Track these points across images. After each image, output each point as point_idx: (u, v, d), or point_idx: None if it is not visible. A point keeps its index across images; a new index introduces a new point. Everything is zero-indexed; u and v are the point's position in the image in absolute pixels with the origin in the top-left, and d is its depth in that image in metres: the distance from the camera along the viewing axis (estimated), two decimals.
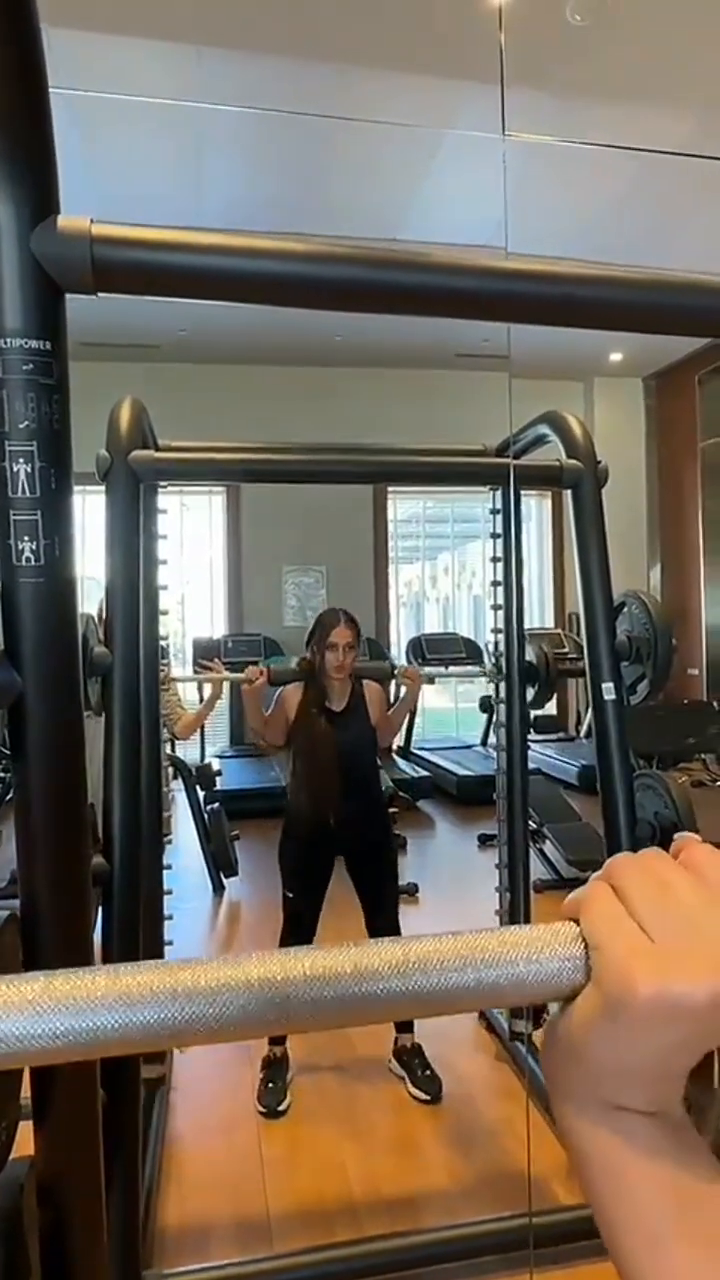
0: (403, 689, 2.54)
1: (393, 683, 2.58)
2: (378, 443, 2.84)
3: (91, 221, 0.79)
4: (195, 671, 3.43)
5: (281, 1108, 2.25)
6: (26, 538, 0.81)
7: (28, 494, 0.80)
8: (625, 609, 1.96)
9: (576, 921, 0.33)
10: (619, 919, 0.32)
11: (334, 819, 2.34)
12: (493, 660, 2.61)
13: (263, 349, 6.67)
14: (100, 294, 0.84)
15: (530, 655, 2.59)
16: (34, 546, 0.81)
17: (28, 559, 0.81)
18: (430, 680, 6.80)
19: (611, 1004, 0.30)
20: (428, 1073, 2.34)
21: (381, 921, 2.42)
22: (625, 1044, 0.31)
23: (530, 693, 2.59)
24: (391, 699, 2.57)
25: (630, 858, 0.34)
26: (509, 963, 0.32)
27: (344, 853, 2.42)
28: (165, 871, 2.38)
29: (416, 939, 0.33)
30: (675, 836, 0.35)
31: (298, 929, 2.38)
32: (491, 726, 5.96)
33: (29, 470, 0.80)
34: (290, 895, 2.41)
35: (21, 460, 0.79)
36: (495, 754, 2.67)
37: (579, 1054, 0.32)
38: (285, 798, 2.46)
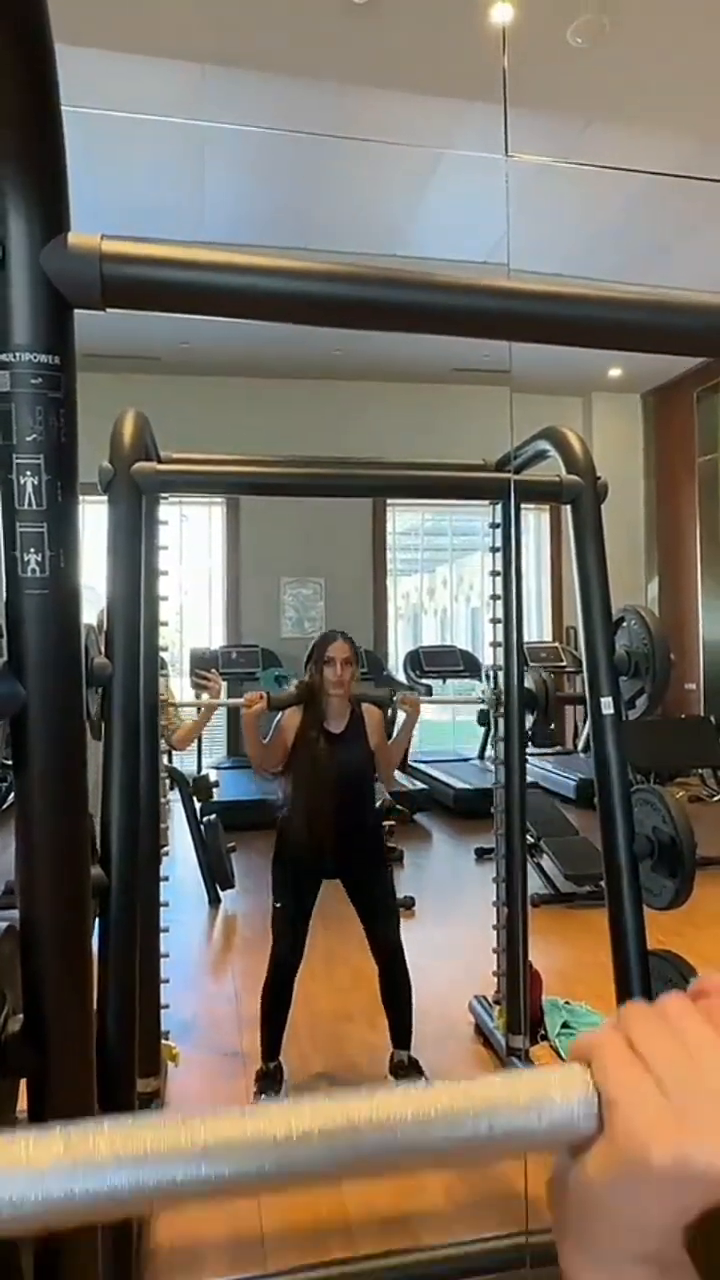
0: (401, 715, 2.53)
1: (390, 711, 2.56)
2: (376, 456, 2.85)
3: (102, 238, 0.80)
4: (193, 683, 3.42)
5: None
6: (33, 549, 0.81)
7: (34, 506, 0.81)
8: (624, 624, 1.97)
9: (586, 1063, 0.33)
10: (634, 1073, 0.31)
11: (329, 840, 2.34)
12: (491, 687, 2.60)
13: (263, 362, 6.71)
14: (108, 310, 0.85)
15: (529, 683, 2.59)
16: (39, 558, 0.82)
17: (33, 570, 0.82)
18: (429, 692, 6.83)
19: (626, 1165, 0.30)
20: None
21: (384, 945, 2.41)
22: (639, 1205, 0.30)
23: (529, 719, 2.59)
24: (390, 727, 2.56)
25: (647, 1008, 0.33)
26: (519, 1111, 0.32)
27: (339, 875, 2.43)
28: (162, 883, 2.37)
29: (422, 1090, 0.32)
30: (695, 980, 0.35)
31: (288, 940, 2.37)
32: (489, 740, 5.96)
33: (36, 483, 0.81)
34: (279, 905, 2.41)
35: (29, 473, 0.80)
36: (493, 767, 2.66)
37: (590, 1208, 0.31)
38: (279, 820, 2.45)
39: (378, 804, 2.55)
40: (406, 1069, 2.38)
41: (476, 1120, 0.32)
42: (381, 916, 2.43)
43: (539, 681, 2.65)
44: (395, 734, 2.50)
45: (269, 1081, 2.33)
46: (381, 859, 2.51)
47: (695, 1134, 0.29)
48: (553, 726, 2.84)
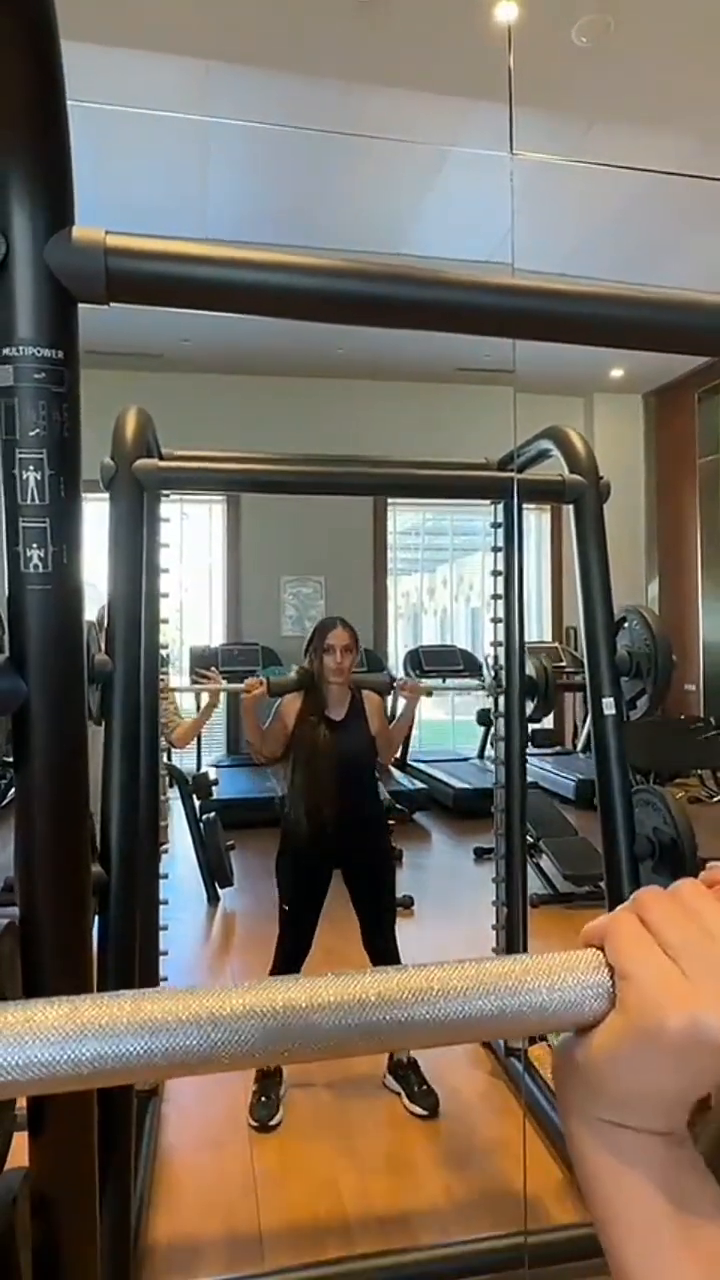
0: (401, 702, 2.53)
1: (390, 696, 2.57)
2: (378, 455, 2.85)
3: (106, 233, 0.79)
4: (192, 681, 3.42)
5: (274, 1122, 2.23)
6: (35, 545, 0.81)
7: (37, 501, 0.81)
8: (626, 624, 1.97)
9: (598, 948, 0.33)
10: (649, 949, 0.32)
11: (332, 828, 2.32)
12: (492, 675, 2.61)
13: (265, 360, 6.71)
14: (112, 305, 0.85)
15: (530, 669, 2.59)
16: (42, 554, 0.82)
17: (36, 566, 0.82)
18: (429, 693, 6.81)
19: (639, 1034, 0.31)
20: (424, 1088, 2.33)
21: (380, 942, 2.41)
22: (650, 1072, 0.31)
23: (529, 706, 2.59)
24: (390, 713, 2.56)
25: (661, 891, 0.34)
26: (532, 990, 0.32)
27: (342, 865, 2.41)
28: (161, 881, 2.37)
29: (438, 966, 0.33)
30: (708, 865, 0.35)
31: (295, 942, 2.37)
32: (489, 740, 5.96)
33: (38, 478, 0.80)
34: (287, 908, 2.40)
35: (31, 468, 0.80)
36: (492, 767, 2.66)
37: (599, 1080, 0.32)
38: (283, 810, 2.44)
39: (381, 797, 2.54)
40: (406, 1069, 2.38)
41: (488, 998, 0.32)
42: (378, 915, 2.42)
43: (539, 667, 2.65)
44: (396, 718, 2.50)
45: (269, 1083, 2.33)
46: (385, 853, 2.50)
47: (710, 1001, 0.29)
48: (552, 709, 2.85)
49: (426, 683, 6.58)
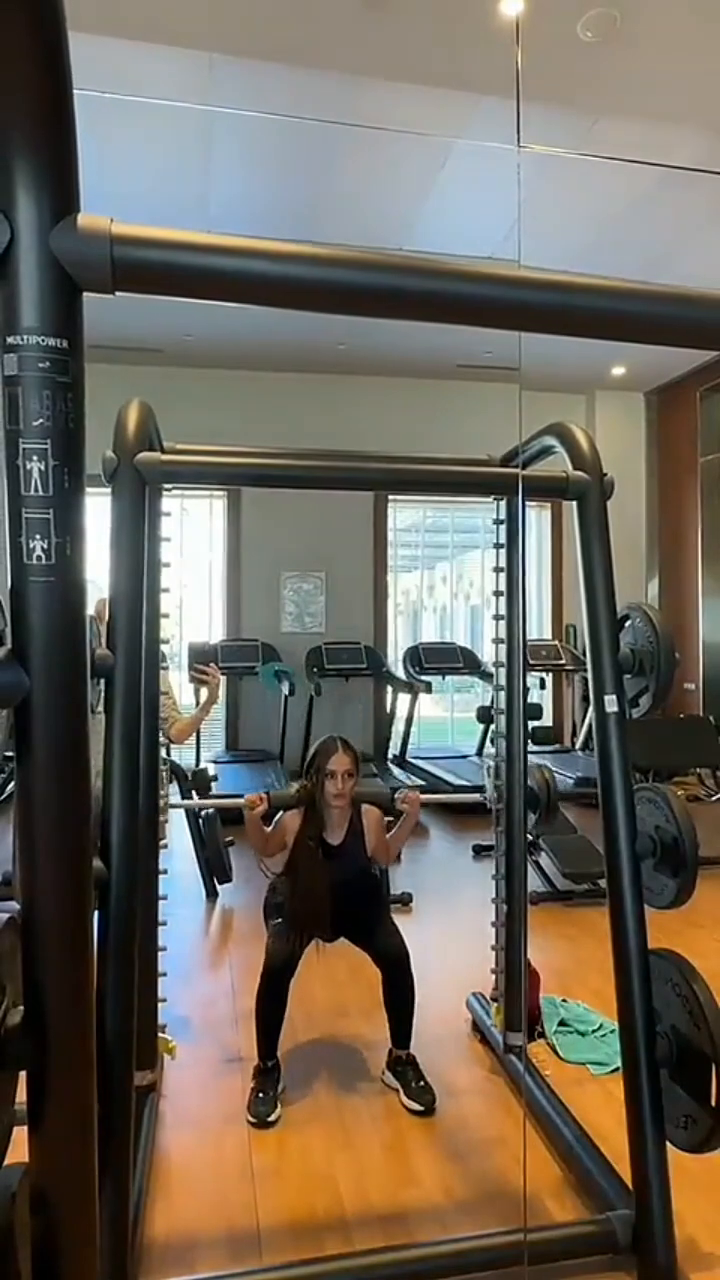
0: (402, 812, 2.53)
1: (391, 807, 2.58)
2: (379, 451, 2.84)
3: (112, 221, 0.79)
4: (191, 676, 3.41)
5: (272, 1118, 2.22)
6: (38, 536, 0.80)
7: (40, 492, 0.80)
8: (629, 621, 1.96)
9: None
10: None
11: (325, 932, 2.40)
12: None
13: (267, 355, 6.69)
14: (116, 294, 0.84)
15: (531, 782, 2.60)
16: (45, 545, 0.81)
17: (39, 557, 0.81)
18: (428, 689, 6.81)
19: None
20: (422, 1084, 2.33)
21: (387, 942, 2.41)
22: None
23: (531, 818, 2.61)
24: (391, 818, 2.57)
25: None
26: None
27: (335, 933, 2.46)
28: (160, 876, 2.36)
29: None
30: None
31: (282, 954, 2.35)
32: (488, 737, 5.95)
33: (42, 468, 0.79)
34: (278, 921, 2.44)
35: (35, 458, 0.79)
36: (492, 764, 2.66)
37: None
38: (274, 901, 2.49)
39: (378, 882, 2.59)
40: (404, 1065, 2.38)
41: None
42: (384, 940, 2.42)
43: (540, 781, 2.65)
44: (395, 831, 2.52)
45: (267, 1079, 2.32)
46: (381, 913, 2.50)
47: None
48: (554, 818, 2.87)
49: (426, 678, 6.60)
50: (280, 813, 2.46)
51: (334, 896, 2.36)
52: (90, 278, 0.79)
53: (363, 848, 2.44)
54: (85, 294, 0.81)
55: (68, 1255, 0.93)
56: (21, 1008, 0.89)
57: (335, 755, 2.36)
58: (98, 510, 1.73)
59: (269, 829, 2.44)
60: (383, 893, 2.65)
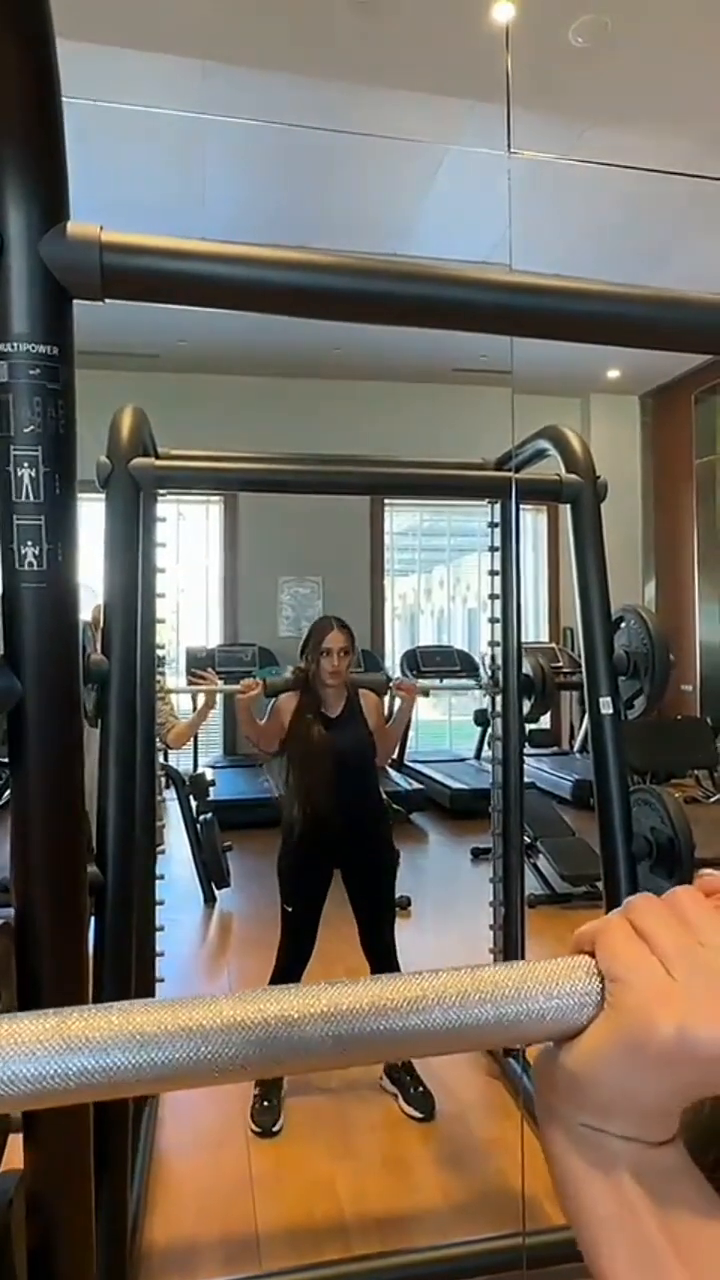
0: (398, 702, 2.52)
1: (388, 696, 2.56)
2: (373, 454, 2.85)
3: (101, 229, 0.79)
4: (189, 682, 3.42)
5: (276, 1128, 2.21)
6: (30, 542, 0.80)
7: (32, 499, 0.80)
8: (623, 624, 1.97)
9: (589, 954, 0.33)
10: (639, 954, 0.31)
11: (332, 828, 2.30)
12: (489, 675, 2.61)
13: (261, 360, 6.70)
14: (107, 301, 0.84)
15: (527, 668, 2.59)
16: (36, 551, 0.81)
17: (30, 564, 0.81)
18: (425, 693, 6.81)
19: (627, 1041, 0.30)
20: (420, 1090, 2.32)
21: (378, 943, 2.39)
22: (635, 1079, 0.30)
23: (526, 705, 2.59)
24: (388, 713, 2.55)
25: (653, 897, 0.33)
26: (527, 998, 0.32)
27: (342, 865, 2.39)
28: (158, 882, 2.36)
29: (432, 974, 0.32)
30: (701, 872, 0.35)
31: (296, 944, 2.36)
32: (486, 740, 5.96)
33: (33, 475, 0.80)
34: (289, 910, 2.39)
35: (26, 465, 0.79)
36: (490, 767, 2.66)
37: (582, 1085, 0.32)
38: (281, 811, 2.42)
39: (381, 796, 2.52)
40: (402, 1071, 2.38)
41: (481, 1007, 0.32)
42: (376, 918, 2.41)
43: (536, 666, 2.65)
44: (393, 718, 2.49)
45: (270, 1086, 2.31)
46: (386, 852, 2.46)
47: (700, 1011, 0.29)
48: (549, 708, 2.86)
49: (423, 683, 6.61)
50: (272, 702, 2.40)
51: (336, 766, 2.29)
52: (80, 285, 0.79)
53: (362, 722, 2.38)
54: (76, 301, 0.82)
55: (64, 1263, 0.92)
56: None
57: (331, 633, 2.33)
58: (92, 516, 1.73)
59: (263, 721, 2.38)
60: (381, 796, 2.54)
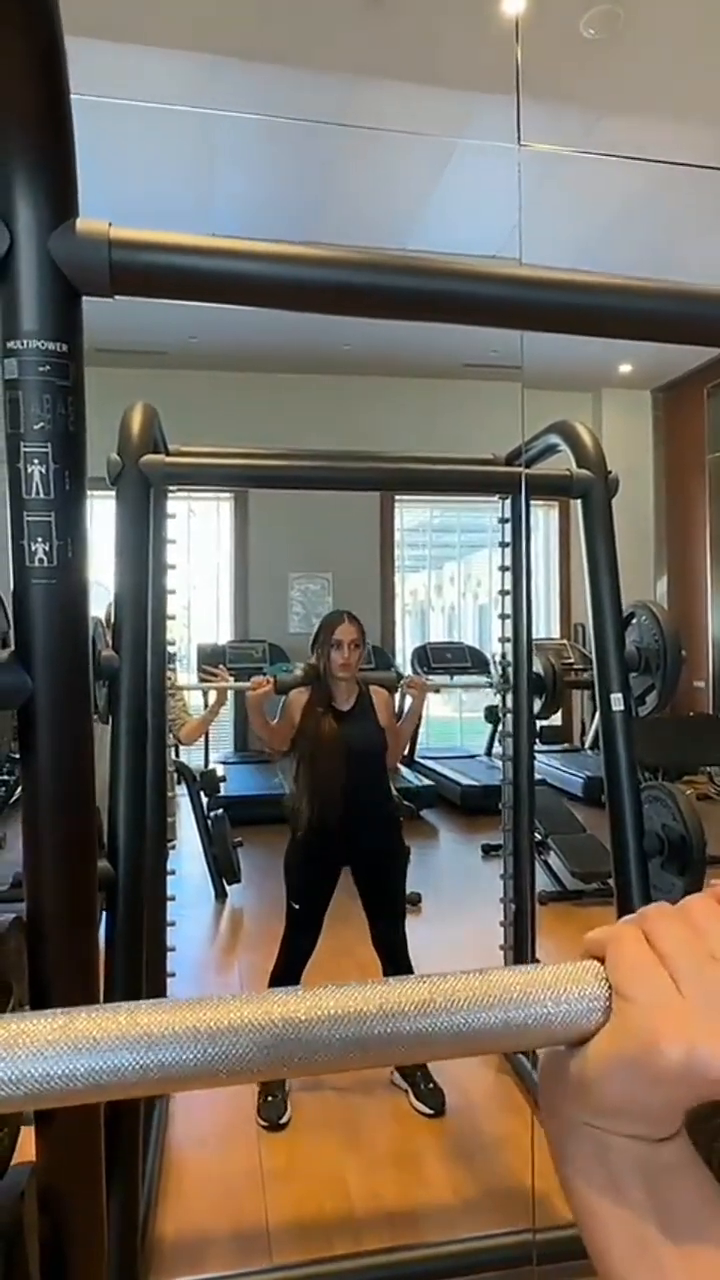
0: (408, 699, 2.51)
1: (398, 694, 2.55)
2: (385, 451, 2.84)
3: (110, 225, 0.79)
4: (200, 678, 3.42)
5: (283, 1121, 2.23)
6: (40, 539, 0.81)
7: (41, 495, 0.80)
8: (634, 619, 1.96)
9: (599, 959, 0.33)
10: (650, 968, 0.31)
11: (340, 824, 2.28)
12: (499, 671, 2.60)
13: (272, 356, 6.70)
14: (116, 298, 0.85)
15: (538, 666, 2.58)
16: (47, 548, 0.81)
17: (40, 560, 0.81)
18: (436, 689, 6.82)
19: (635, 1058, 0.30)
20: (431, 1085, 2.32)
21: (389, 940, 2.39)
22: (644, 1091, 0.30)
23: (537, 704, 2.58)
24: (398, 710, 2.54)
25: (669, 907, 0.33)
26: (535, 1003, 0.32)
27: (351, 861, 2.39)
28: (169, 877, 2.37)
29: (440, 978, 0.32)
30: (712, 881, 0.34)
31: (301, 941, 2.36)
32: (497, 736, 5.94)
33: (43, 471, 0.80)
34: (296, 906, 2.39)
35: (36, 461, 0.79)
36: (500, 764, 2.65)
37: (588, 1090, 0.32)
38: (290, 806, 2.42)
39: (392, 793, 2.51)
40: (411, 1067, 2.37)
41: (489, 1011, 0.31)
42: (387, 915, 2.41)
43: (546, 665, 2.64)
44: (404, 715, 2.48)
45: (275, 1082, 2.33)
46: (396, 850, 2.45)
47: (709, 1032, 0.28)
48: (560, 706, 2.84)
49: (434, 679, 6.61)
50: (283, 700, 2.39)
51: (347, 760, 2.27)
52: (89, 281, 0.79)
53: (373, 716, 2.36)
54: (85, 298, 0.82)
55: (75, 1254, 0.93)
56: (28, 1008, 0.90)
57: (342, 626, 2.32)
58: (103, 513, 1.74)
59: (274, 721, 2.37)
60: (391, 791, 2.52)
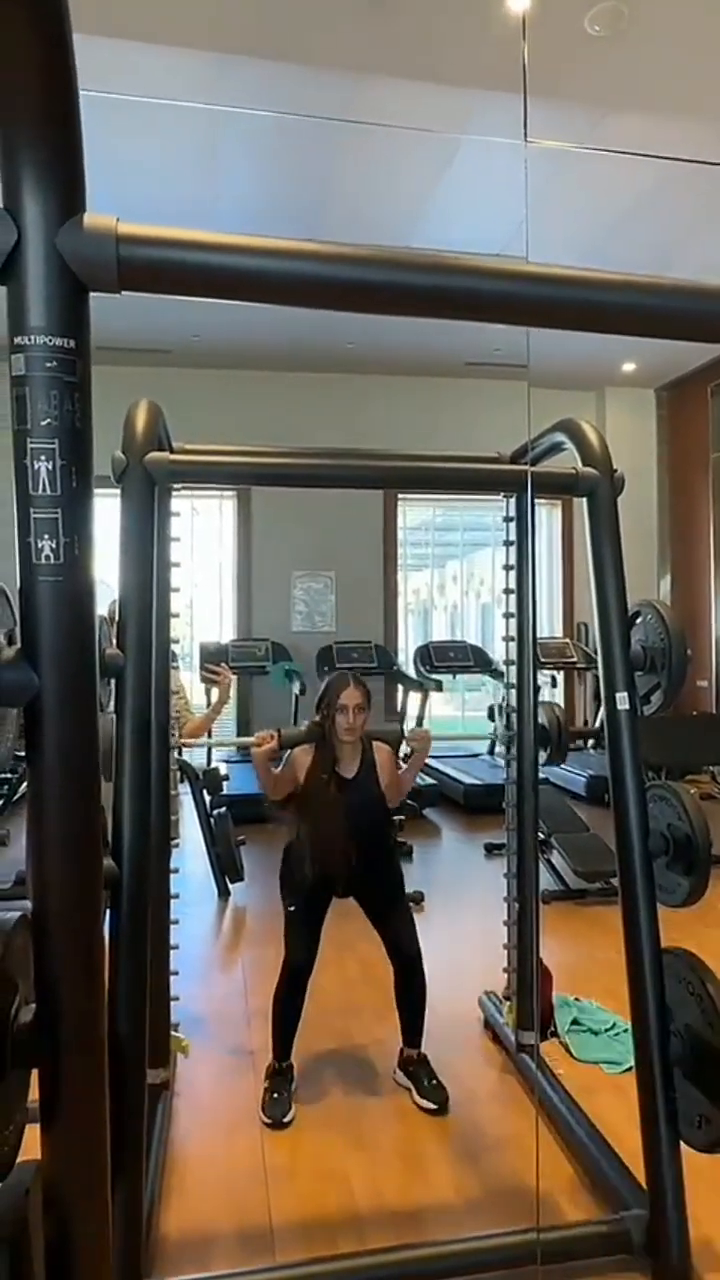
0: (412, 750, 2.50)
1: (402, 746, 2.55)
2: (388, 449, 2.83)
3: (118, 220, 0.79)
4: (203, 676, 3.42)
5: (287, 1119, 2.22)
6: (46, 536, 0.81)
7: (48, 492, 0.80)
8: (640, 618, 1.95)
9: None
10: None
11: (340, 879, 2.35)
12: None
13: (275, 355, 6.70)
14: (123, 294, 0.84)
15: (542, 718, 2.58)
16: (53, 545, 0.81)
17: (47, 557, 0.81)
18: (439, 687, 6.81)
19: None
20: (434, 1083, 2.32)
21: (403, 944, 2.40)
22: None
23: (542, 755, 2.59)
24: (401, 755, 2.55)
25: None
26: None
27: (351, 895, 2.43)
28: (172, 875, 2.37)
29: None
30: None
31: (301, 946, 2.36)
32: (498, 736, 5.93)
33: (50, 468, 0.80)
34: (291, 909, 2.41)
35: (43, 458, 0.79)
36: (503, 763, 2.65)
37: None
38: (291, 855, 2.41)
39: (392, 844, 2.54)
40: (416, 1064, 2.38)
41: None
42: (398, 928, 2.41)
43: (551, 718, 2.63)
44: (406, 769, 2.50)
45: (280, 1080, 2.33)
46: (397, 882, 2.49)
47: None
48: (565, 757, 2.85)
49: (436, 678, 6.59)
50: (288, 753, 2.40)
51: (349, 827, 2.30)
52: (96, 277, 0.79)
53: (375, 780, 2.38)
54: (92, 294, 0.81)
55: (80, 1252, 0.93)
56: (34, 1006, 0.90)
57: (347, 690, 2.32)
58: (107, 511, 1.73)
59: (278, 769, 2.38)
60: (394, 843, 2.56)
